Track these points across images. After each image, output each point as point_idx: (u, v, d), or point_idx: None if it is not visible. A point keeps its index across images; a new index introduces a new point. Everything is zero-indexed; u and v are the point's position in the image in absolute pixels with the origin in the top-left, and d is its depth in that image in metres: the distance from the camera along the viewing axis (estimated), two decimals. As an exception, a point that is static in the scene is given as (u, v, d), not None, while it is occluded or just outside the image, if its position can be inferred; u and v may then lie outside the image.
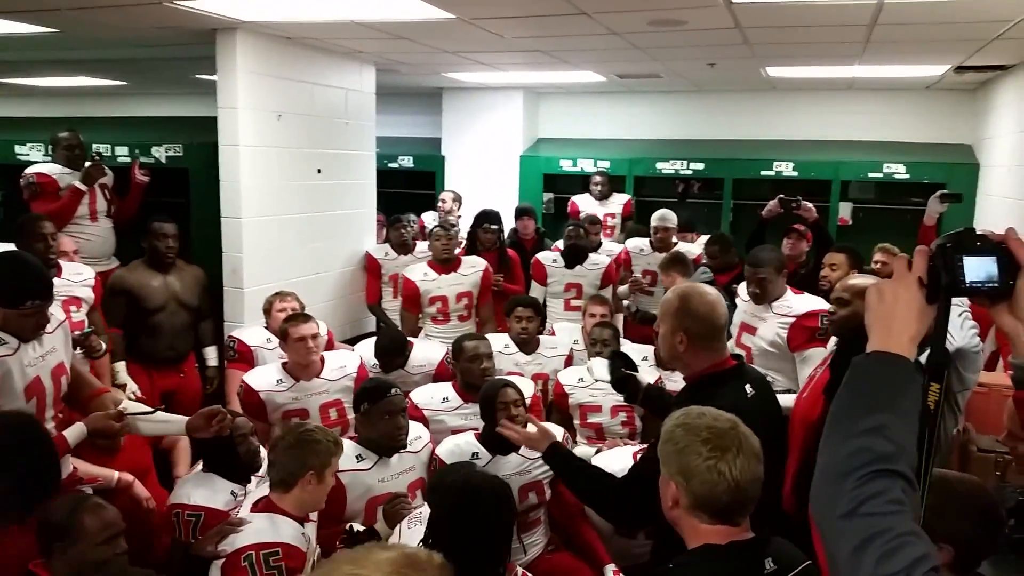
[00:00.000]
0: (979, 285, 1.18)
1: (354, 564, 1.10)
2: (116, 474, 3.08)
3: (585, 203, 6.79)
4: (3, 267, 2.60)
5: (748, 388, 2.30)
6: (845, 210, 6.90)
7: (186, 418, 2.80)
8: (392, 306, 5.35)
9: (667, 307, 2.31)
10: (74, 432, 2.60)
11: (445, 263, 4.92)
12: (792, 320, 3.56)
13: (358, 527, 2.80)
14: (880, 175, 6.74)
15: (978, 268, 1.18)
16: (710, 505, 1.66)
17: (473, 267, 5.02)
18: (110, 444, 3.20)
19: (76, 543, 2.19)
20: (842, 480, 1.06)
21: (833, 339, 3.34)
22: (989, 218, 5.90)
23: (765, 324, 3.58)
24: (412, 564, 1.12)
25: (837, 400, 1.17)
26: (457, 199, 6.67)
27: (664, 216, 5.56)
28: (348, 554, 1.16)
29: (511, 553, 3.04)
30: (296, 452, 2.55)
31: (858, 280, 2.92)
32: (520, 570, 2.66)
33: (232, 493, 2.86)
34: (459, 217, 6.51)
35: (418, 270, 4.95)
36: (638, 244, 5.69)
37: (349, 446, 3.01)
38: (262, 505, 2.55)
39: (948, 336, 1.27)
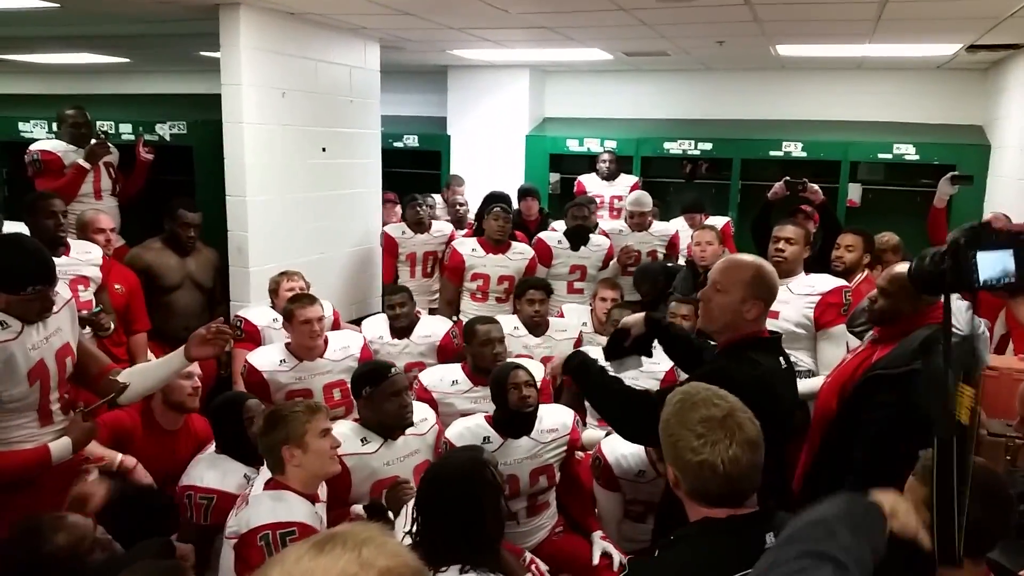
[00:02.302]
0: (994, 283, 1.15)
1: None
2: (119, 457, 3.07)
3: (591, 183, 6.75)
4: (2, 253, 2.54)
5: (781, 360, 2.38)
6: (854, 191, 6.85)
7: (180, 350, 2.74)
8: (409, 285, 5.27)
9: (740, 276, 2.35)
10: (60, 448, 2.57)
11: (496, 243, 4.93)
12: (818, 298, 3.51)
13: (358, 509, 2.80)
14: (890, 156, 6.67)
15: (993, 264, 1.15)
16: (704, 496, 1.67)
17: (520, 254, 5.01)
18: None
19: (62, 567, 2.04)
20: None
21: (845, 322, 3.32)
22: (1000, 199, 5.85)
23: (788, 306, 3.51)
24: None
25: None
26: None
27: (639, 201, 5.54)
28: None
29: (519, 537, 3.07)
30: (267, 435, 2.55)
31: (904, 269, 2.84)
32: (529, 555, 2.65)
33: (245, 476, 2.86)
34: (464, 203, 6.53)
35: (468, 244, 5.03)
36: (616, 225, 5.66)
37: (354, 428, 3.01)
38: (273, 484, 2.55)
39: (957, 326, 1.25)
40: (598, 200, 6.50)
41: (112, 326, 3.85)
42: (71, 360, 2.73)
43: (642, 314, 2.81)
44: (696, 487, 1.66)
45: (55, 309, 2.64)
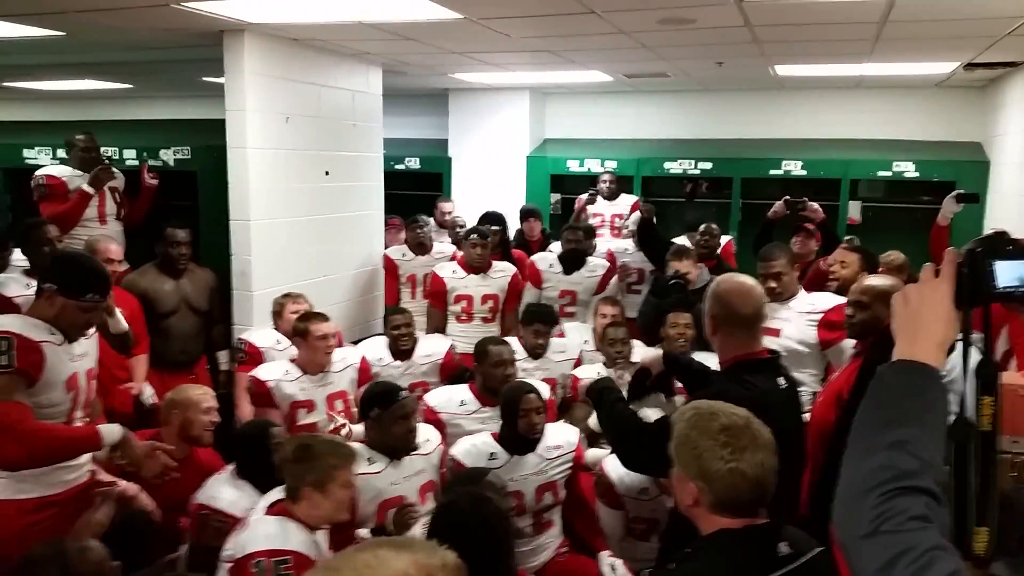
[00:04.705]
0: (1012, 290, 1.16)
1: None
2: (122, 484, 3.07)
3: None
4: (73, 260, 2.89)
5: (781, 380, 2.38)
6: (854, 209, 6.87)
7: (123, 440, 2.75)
8: (410, 307, 5.30)
9: (708, 291, 2.45)
10: (110, 432, 2.67)
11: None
12: (819, 316, 3.52)
13: (364, 533, 2.78)
14: (889, 174, 6.70)
15: (1010, 272, 1.16)
16: (733, 504, 1.69)
17: (502, 272, 5.01)
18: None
19: None
20: (863, 498, 1.04)
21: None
22: (1000, 216, 5.86)
23: (790, 324, 3.53)
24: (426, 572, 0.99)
25: (861, 411, 1.15)
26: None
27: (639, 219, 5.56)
28: (355, 561, 1.00)
29: (524, 556, 3.07)
30: (293, 466, 2.53)
31: (876, 282, 2.86)
32: None
33: None
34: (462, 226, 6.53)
35: (448, 267, 5.02)
36: (622, 245, 5.69)
37: (359, 449, 2.99)
38: (277, 508, 2.53)
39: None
40: (598, 220, 6.52)
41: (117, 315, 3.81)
42: (95, 384, 2.88)
43: (660, 352, 2.86)
44: (726, 495, 1.67)
45: (87, 335, 2.82)
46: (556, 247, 5.50)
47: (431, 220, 6.61)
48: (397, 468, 3.01)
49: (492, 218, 5.68)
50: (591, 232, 5.86)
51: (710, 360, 3.25)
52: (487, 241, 4.97)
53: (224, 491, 2.84)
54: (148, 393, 4.01)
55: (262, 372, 3.76)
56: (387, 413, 2.97)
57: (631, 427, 2.45)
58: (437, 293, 4.95)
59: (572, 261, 5.17)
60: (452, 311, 4.93)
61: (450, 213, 6.65)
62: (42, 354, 2.58)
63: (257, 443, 2.95)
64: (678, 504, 1.79)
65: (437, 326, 4.93)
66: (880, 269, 4.60)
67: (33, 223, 4.02)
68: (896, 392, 1.13)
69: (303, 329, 3.74)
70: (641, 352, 4.18)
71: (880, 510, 1.02)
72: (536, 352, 4.25)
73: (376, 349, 4.32)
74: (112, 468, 3.01)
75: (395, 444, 3.00)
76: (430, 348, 4.39)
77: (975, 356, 1.22)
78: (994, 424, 1.16)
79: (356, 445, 3.02)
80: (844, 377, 2.81)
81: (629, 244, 5.62)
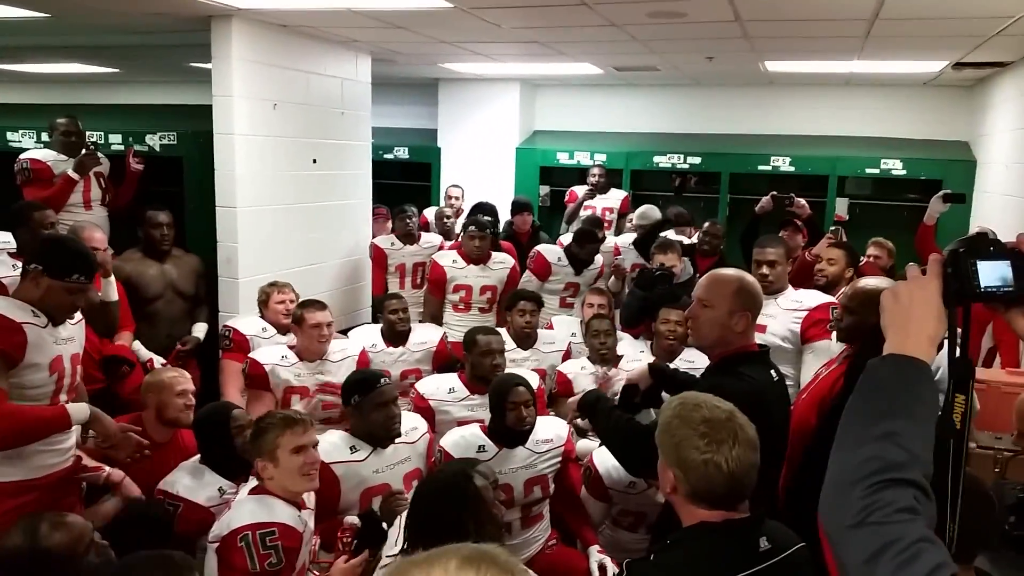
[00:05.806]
0: (994, 290, 1.16)
1: None
2: (107, 470, 3.05)
3: (583, 194, 6.75)
4: (60, 242, 2.93)
5: (773, 373, 2.41)
6: (842, 206, 6.90)
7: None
8: (398, 296, 5.32)
9: (724, 288, 2.40)
10: (78, 411, 2.71)
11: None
12: (804, 314, 3.53)
13: (352, 519, 2.78)
14: (877, 171, 6.74)
15: (993, 272, 1.16)
16: (708, 496, 1.70)
17: (501, 263, 5.04)
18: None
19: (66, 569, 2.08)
20: (851, 489, 1.04)
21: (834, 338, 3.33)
22: (985, 215, 5.90)
23: (775, 320, 3.52)
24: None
25: (851, 403, 1.15)
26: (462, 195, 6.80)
27: (645, 214, 5.58)
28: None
29: (512, 550, 3.06)
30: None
31: (867, 284, 2.85)
32: None
33: (220, 489, 2.83)
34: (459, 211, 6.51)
35: (448, 256, 5.04)
36: (626, 240, 5.68)
37: (343, 437, 3.00)
38: (257, 490, 2.54)
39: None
40: (588, 213, 6.51)
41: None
42: (80, 369, 2.90)
43: (645, 366, 2.85)
44: (700, 487, 1.69)
45: (72, 320, 2.84)
46: (567, 239, 5.45)
47: (429, 212, 6.61)
48: (380, 456, 2.99)
49: (484, 209, 5.65)
50: (599, 224, 5.84)
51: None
52: (486, 233, 4.98)
53: (183, 477, 2.85)
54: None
55: (259, 355, 3.78)
56: (366, 400, 2.95)
57: (631, 432, 2.44)
58: (436, 281, 4.98)
59: (585, 263, 5.16)
60: (450, 300, 4.96)
61: (456, 199, 6.67)
62: (24, 335, 2.59)
63: (217, 426, 2.94)
64: (662, 492, 1.80)
65: (433, 313, 4.97)
66: (870, 253, 4.67)
67: (32, 204, 4.00)
68: (887, 385, 1.13)
69: (298, 316, 3.79)
70: (627, 345, 4.19)
71: (867, 501, 1.01)
72: (525, 337, 4.24)
73: (369, 335, 4.33)
74: (96, 454, 3.01)
75: (376, 431, 2.97)
76: (424, 336, 4.43)
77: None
78: (964, 422, 1.17)
79: (340, 433, 3.02)
80: (831, 380, 2.81)
81: (630, 240, 5.62)
